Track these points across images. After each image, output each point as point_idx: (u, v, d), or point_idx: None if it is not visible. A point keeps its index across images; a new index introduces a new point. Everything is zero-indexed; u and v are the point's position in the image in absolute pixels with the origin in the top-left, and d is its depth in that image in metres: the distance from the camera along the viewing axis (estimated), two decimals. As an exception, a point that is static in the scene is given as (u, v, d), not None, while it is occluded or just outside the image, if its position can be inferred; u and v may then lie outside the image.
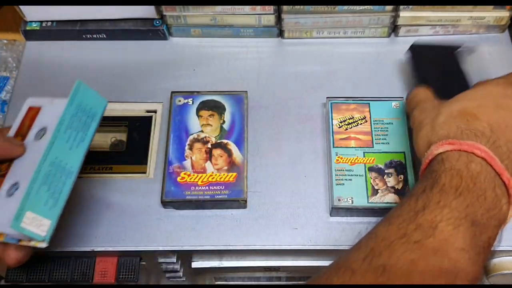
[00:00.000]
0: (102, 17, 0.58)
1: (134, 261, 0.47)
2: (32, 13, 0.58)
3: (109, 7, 0.57)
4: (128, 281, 0.47)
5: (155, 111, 0.53)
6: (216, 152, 0.49)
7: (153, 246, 0.47)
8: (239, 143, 0.50)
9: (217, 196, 0.47)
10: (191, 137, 0.50)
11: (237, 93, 0.53)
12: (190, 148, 0.49)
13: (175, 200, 0.47)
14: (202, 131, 0.50)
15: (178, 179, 0.48)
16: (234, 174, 0.48)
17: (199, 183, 0.48)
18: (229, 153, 0.49)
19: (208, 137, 0.50)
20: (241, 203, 0.48)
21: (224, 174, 0.48)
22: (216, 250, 0.47)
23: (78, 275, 0.47)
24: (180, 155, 0.49)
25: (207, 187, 0.47)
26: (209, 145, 0.50)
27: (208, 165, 0.49)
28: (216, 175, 0.48)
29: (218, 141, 0.50)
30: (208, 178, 0.48)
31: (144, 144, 0.52)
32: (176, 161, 0.49)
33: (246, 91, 0.53)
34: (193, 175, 0.48)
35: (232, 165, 0.49)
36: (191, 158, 0.49)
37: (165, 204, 0.48)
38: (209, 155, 0.49)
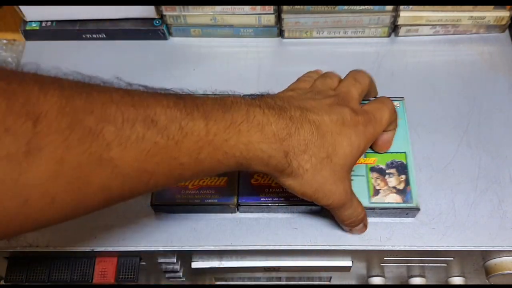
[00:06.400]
0: (102, 17, 0.58)
1: (134, 261, 0.47)
2: (32, 13, 0.58)
3: (109, 7, 0.57)
4: (128, 281, 0.47)
5: (155, 111, 0.53)
6: None
7: (153, 246, 0.46)
8: None
9: (207, 200, 0.46)
10: None
11: None
12: None
13: (164, 203, 0.47)
14: None
15: None
16: (225, 178, 0.47)
17: (190, 186, 0.47)
18: None
19: None
20: (231, 208, 0.47)
21: (215, 178, 0.47)
22: (216, 250, 0.47)
23: (77, 275, 0.46)
24: None
25: (197, 191, 0.47)
26: None
27: None
28: (207, 179, 0.47)
29: None
30: (198, 182, 0.47)
31: (144, 144, 0.51)
32: None
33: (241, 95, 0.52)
34: None
35: None
36: None
37: (155, 207, 0.47)
38: None
